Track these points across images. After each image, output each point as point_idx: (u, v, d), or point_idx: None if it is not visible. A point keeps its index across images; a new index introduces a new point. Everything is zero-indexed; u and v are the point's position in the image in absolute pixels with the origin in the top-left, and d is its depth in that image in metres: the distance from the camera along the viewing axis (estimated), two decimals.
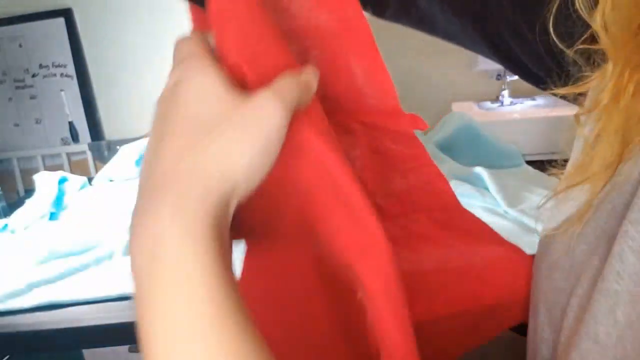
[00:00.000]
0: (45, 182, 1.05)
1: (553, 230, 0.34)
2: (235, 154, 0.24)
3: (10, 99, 1.30)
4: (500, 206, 0.83)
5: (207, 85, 0.25)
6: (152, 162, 0.25)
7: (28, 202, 1.04)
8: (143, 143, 1.10)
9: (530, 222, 0.74)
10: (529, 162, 1.00)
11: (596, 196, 0.29)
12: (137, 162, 1.07)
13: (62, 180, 1.06)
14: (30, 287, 0.72)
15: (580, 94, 0.30)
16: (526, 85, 0.43)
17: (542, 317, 0.35)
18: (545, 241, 0.37)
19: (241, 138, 0.24)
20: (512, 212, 0.79)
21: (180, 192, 0.23)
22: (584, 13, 0.26)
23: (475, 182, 0.90)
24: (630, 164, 0.27)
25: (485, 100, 1.17)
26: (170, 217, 0.23)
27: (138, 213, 0.24)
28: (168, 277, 0.22)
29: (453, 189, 0.72)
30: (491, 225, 0.79)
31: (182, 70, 0.26)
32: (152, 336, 0.22)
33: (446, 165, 0.94)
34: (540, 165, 0.97)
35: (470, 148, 1.00)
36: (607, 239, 0.28)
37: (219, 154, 0.24)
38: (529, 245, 0.72)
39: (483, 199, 0.84)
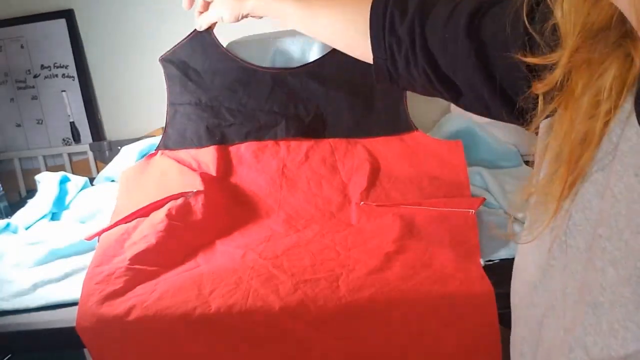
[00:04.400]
0: (46, 182, 1.05)
1: (516, 240, 0.36)
2: None
3: (12, 99, 1.31)
4: (503, 207, 0.83)
5: None
6: None
7: (30, 202, 1.05)
8: (144, 143, 1.11)
9: None
10: (528, 163, 1.00)
11: (552, 218, 0.32)
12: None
13: (63, 180, 1.07)
14: (35, 287, 0.73)
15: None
16: None
17: (519, 330, 0.36)
18: (520, 252, 0.38)
19: None
20: (516, 215, 0.79)
21: None
22: (551, 3, 0.31)
23: (476, 182, 0.90)
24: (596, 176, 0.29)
25: None
26: None
27: None
28: None
29: None
30: (495, 225, 0.80)
31: None
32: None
33: None
34: None
35: (470, 149, 1.00)
36: (583, 256, 0.29)
37: None
38: None
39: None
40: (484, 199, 0.79)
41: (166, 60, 0.98)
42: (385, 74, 0.52)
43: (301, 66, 0.97)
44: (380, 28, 0.49)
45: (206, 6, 0.78)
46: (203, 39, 0.97)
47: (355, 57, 0.59)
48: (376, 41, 0.50)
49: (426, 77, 0.48)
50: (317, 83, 0.95)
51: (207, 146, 0.95)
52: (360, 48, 0.54)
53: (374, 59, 0.52)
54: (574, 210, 0.30)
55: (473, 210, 0.75)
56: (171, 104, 0.99)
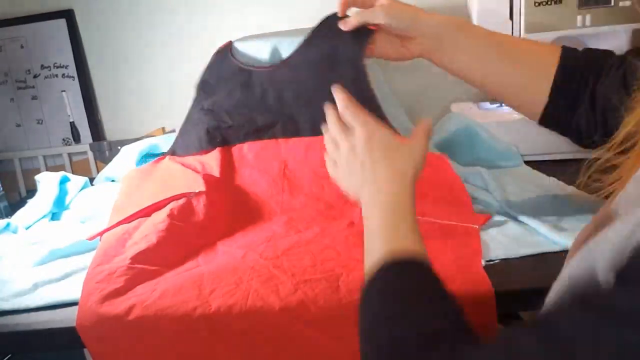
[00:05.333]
0: (46, 182, 1.05)
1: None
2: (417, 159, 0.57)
3: (12, 99, 1.31)
4: (503, 207, 0.83)
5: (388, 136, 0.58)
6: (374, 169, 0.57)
7: (30, 202, 1.05)
8: (144, 143, 1.11)
9: (535, 225, 0.73)
10: (528, 163, 1.00)
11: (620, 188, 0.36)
12: (138, 163, 1.08)
13: (63, 180, 1.07)
14: (35, 287, 0.73)
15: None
16: None
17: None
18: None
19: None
20: (516, 215, 0.79)
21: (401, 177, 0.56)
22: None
23: (475, 182, 0.90)
24: None
25: (485, 100, 1.18)
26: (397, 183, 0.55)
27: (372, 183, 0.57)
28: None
29: None
30: (496, 225, 0.79)
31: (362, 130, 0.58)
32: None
33: None
34: (539, 165, 0.97)
35: (470, 148, 1.00)
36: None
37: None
38: (532, 245, 0.73)
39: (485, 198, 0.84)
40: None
41: (196, 86, 1.01)
42: (553, 123, 0.61)
43: (289, 58, 0.95)
44: (566, 82, 0.57)
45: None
46: (221, 57, 1.00)
47: (519, 110, 0.69)
48: (556, 93, 0.58)
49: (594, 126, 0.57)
50: (311, 74, 0.91)
51: (210, 149, 0.95)
52: (536, 104, 0.62)
53: (546, 108, 0.61)
54: (628, 185, 0.34)
55: (477, 226, 0.74)
56: (186, 118, 1.01)
